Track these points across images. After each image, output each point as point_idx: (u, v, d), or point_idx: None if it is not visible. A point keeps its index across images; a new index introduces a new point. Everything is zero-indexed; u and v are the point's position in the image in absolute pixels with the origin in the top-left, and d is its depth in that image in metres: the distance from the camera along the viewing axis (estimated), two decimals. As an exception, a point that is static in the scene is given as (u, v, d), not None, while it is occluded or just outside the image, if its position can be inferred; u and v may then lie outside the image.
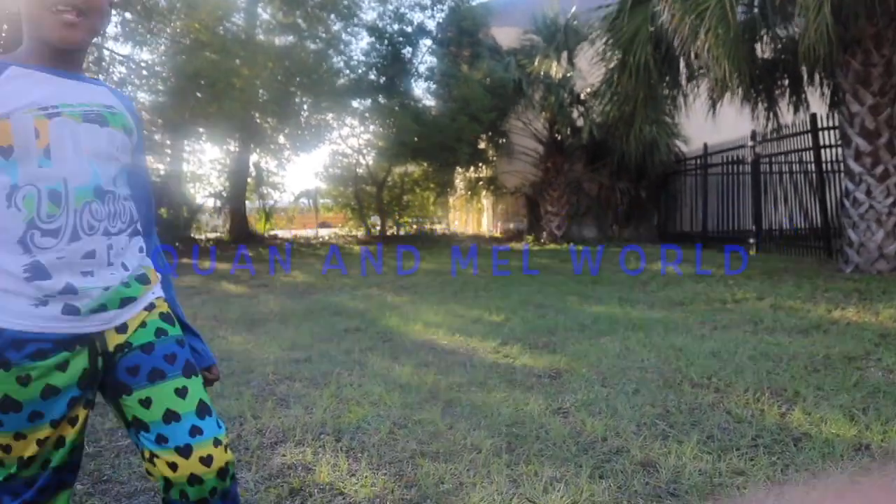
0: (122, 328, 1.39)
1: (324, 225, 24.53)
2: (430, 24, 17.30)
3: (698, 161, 14.84)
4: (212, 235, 19.05)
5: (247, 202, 19.71)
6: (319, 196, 23.08)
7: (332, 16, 16.47)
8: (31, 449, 1.33)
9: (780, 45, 10.30)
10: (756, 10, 9.48)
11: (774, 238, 11.84)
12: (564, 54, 15.90)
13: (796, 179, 11.05)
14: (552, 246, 15.22)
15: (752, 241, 12.24)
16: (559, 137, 16.59)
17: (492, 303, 6.78)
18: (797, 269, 8.88)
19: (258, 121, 15.29)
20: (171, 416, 1.38)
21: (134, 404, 1.39)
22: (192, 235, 17.92)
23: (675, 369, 3.97)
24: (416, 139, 15.35)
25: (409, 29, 16.79)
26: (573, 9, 16.04)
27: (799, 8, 7.89)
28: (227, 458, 1.43)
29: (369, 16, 17.18)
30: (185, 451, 1.37)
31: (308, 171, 45.44)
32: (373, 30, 16.65)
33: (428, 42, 17.44)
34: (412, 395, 3.57)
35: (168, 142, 16.59)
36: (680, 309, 6.17)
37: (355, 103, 16.84)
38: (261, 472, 2.60)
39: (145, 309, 1.42)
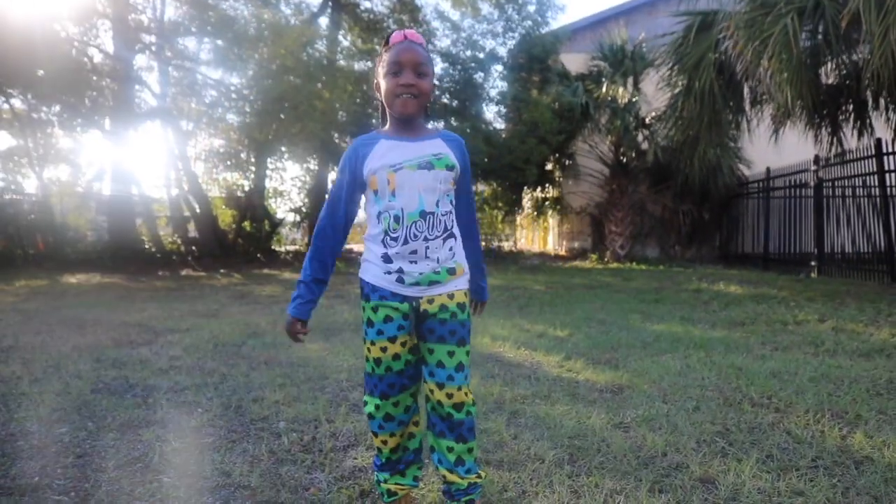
0: (430, 300, 2.15)
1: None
2: (502, 51, 17.70)
3: (761, 184, 14.96)
4: (291, 248, 19.80)
5: (325, 218, 20.47)
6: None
7: (408, 42, 17.18)
8: (375, 352, 2.16)
9: (844, 71, 10.36)
10: (820, 36, 9.50)
11: (836, 261, 11.88)
12: (630, 79, 16.33)
13: (860, 203, 11.11)
14: (615, 265, 15.48)
15: (813, 263, 12.34)
16: (624, 160, 16.96)
17: (556, 318, 6.89)
18: (859, 293, 8.88)
19: (337, 140, 15.93)
20: (440, 365, 2.15)
21: (425, 350, 2.19)
22: (273, 248, 18.71)
23: (736, 388, 3.97)
24: (486, 160, 15.74)
25: (482, 55, 17.23)
26: (641, 35, 16.51)
27: (864, 34, 8.01)
28: (462, 398, 2.16)
29: (443, 42, 17.69)
30: (440, 386, 2.15)
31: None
32: (446, 56, 17.16)
33: (499, 68, 17.86)
34: (479, 404, 3.57)
35: (253, 159, 17.49)
36: (741, 329, 6.20)
37: (429, 126, 17.34)
38: (333, 474, 2.69)
39: (448, 295, 2.17)
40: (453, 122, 16.93)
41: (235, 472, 2.69)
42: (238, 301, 8.64)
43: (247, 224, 17.72)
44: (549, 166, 18.18)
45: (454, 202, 2.22)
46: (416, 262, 2.12)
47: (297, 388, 4.05)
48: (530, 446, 2.97)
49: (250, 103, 14.51)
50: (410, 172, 2.10)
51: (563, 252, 20.23)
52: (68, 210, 18.62)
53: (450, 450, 2.18)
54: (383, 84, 2.14)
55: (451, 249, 2.17)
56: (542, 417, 3.42)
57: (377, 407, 2.19)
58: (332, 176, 20.21)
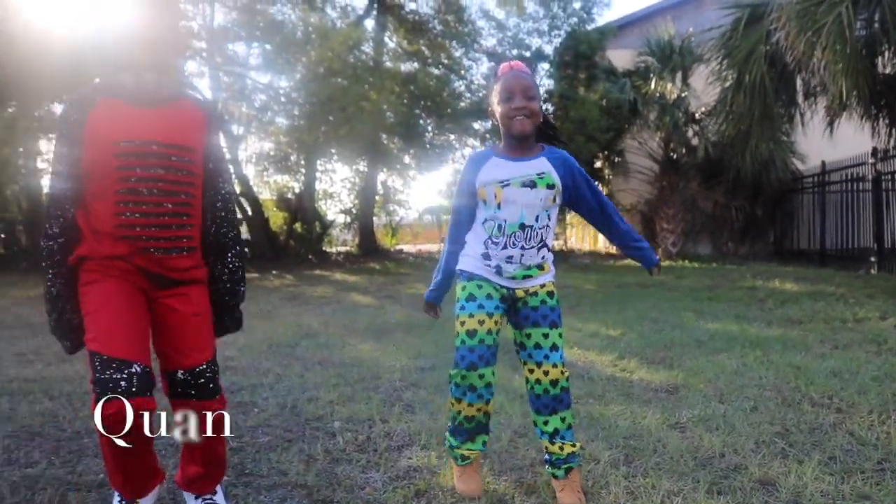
0: (525, 290, 2.48)
1: (448, 240, 25.28)
2: (548, 49, 17.67)
3: (816, 178, 14.66)
4: (342, 249, 20.00)
5: (374, 218, 20.61)
6: (443, 213, 23.91)
7: (454, 43, 17.23)
8: (472, 324, 2.41)
9: None
10: (877, 24, 9.24)
11: (897, 256, 11.60)
12: (679, 74, 16.09)
13: (921, 196, 10.86)
14: (667, 262, 15.25)
15: (872, 259, 12.04)
16: (674, 156, 16.74)
17: (608, 317, 6.87)
18: None
19: (385, 142, 16.03)
20: (536, 346, 2.46)
21: (522, 336, 2.50)
22: (324, 249, 18.90)
23: (794, 388, 3.90)
24: (534, 159, 15.74)
25: (528, 53, 17.18)
26: (689, 29, 16.27)
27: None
28: (557, 375, 2.45)
29: (489, 42, 17.76)
30: (538, 364, 2.46)
31: (432, 188, 46.06)
32: (492, 55, 17.19)
33: (545, 66, 17.82)
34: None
35: (303, 162, 17.71)
36: (798, 327, 6.11)
37: (476, 125, 17.35)
38: (388, 473, 2.70)
39: (540, 286, 2.49)
40: (500, 121, 16.91)
41: (292, 471, 2.74)
42: (290, 302, 8.77)
43: (298, 226, 17.95)
44: (597, 164, 18.03)
45: (557, 215, 2.52)
46: (511, 263, 2.45)
47: (350, 388, 4.10)
48: (585, 447, 2.94)
49: (299, 106, 14.66)
50: (515, 189, 2.41)
51: (613, 250, 20.05)
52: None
53: (546, 423, 2.47)
54: (498, 110, 2.45)
55: (543, 257, 2.50)
56: (596, 417, 3.40)
57: (463, 377, 2.42)
58: (382, 177, 20.49)
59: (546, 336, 2.46)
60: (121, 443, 1.97)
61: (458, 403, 2.47)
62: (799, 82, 11.15)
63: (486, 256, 2.45)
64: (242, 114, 16.62)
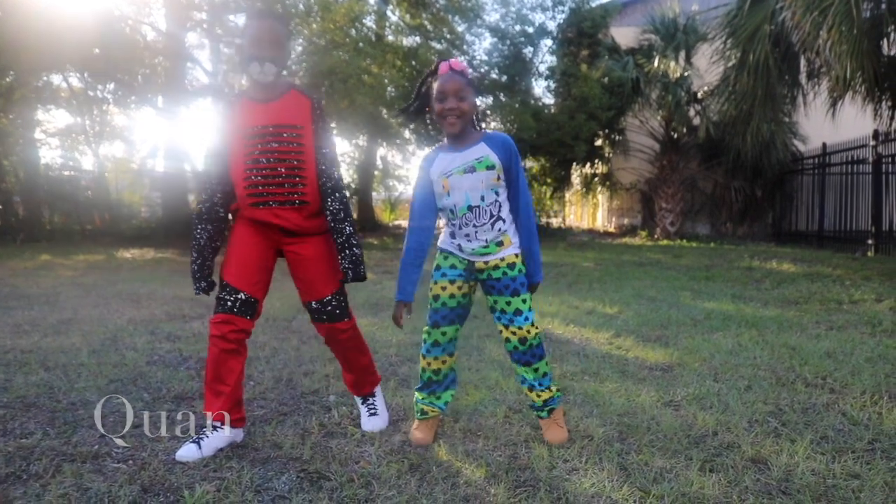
0: (483, 263, 2.74)
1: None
2: (551, 25, 17.55)
3: (816, 160, 14.62)
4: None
5: (373, 193, 20.55)
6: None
7: (457, 17, 17.04)
8: (436, 290, 2.78)
9: None
10: (884, 6, 9.16)
11: (894, 239, 11.59)
12: (682, 53, 15.96)
13: (920, 179, 10.85)
14: (665, 242, 15.32)
15: (870, 241, 12.02)
16: (675, 135, 16.69)
17: (605, 295, 6.89)
18: None
19: (386, 116, 16.04)
20: (502, 311, 2.75)
21: (489, 300, 2.79)
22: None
23: (789, 368, 3.91)
24: (535, 136, 15.68)
25: (531, 30, 17.11)
26: (694, 7, 16.14)
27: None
28: (524, 334, 2.73)
29: (492, 17, 17.62)
30: (505, 326, 2.77)
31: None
32: (495, 31, 17.09)
33: (548, 42, 17.73)
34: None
35: (302, 136, 17.65)
36: (794, 308, 6.12)
37: (477, 101, 17.25)
38: (383, 448, 2.71)
39: (500, 259, 2.73)
40: (502, 97, 16.85)
41: (286, 444, 2.75)
42: (288, 276, 8.71)
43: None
44: (598, 142, 18.00)
45: (506, 191, 2.75)
46: (470, 241, 2.74)
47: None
48: (579, 423, 2.97)
49: (299, 79, 14.59)
50: (458, 177, 2.68)
51: (612, 229, 20.07)
52: (123, 186, 19.06)
53: (523, 374, 2.82)
54: (434, 107, 2.68)
55: (499, 230, 2.73)
56: (590, 395, 3.41)
57: (429, 333, 2.81)
58: (381, 151, 20.42)
59: (508, 303, 2.74)
60: (221, 346, 2.73)
61: (425, 359, 2.84)
62: (803, 63, 11.11)
63: (452, 235, 2.78)
64: (242, 86, 16.52)
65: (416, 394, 2.89)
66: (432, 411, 2.84)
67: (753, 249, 12.83)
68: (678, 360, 4.17)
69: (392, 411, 3.18)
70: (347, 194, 3.02)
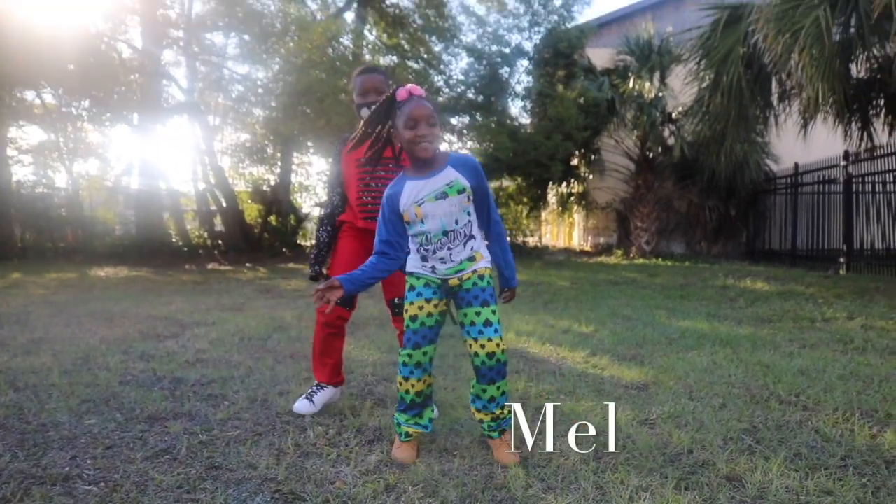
0: (457, 279, 2.76)
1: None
2: (528, 46, 17.65)
3: (789, 180, 14.83)
4: (316, 243, 19.84)
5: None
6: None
7: (434, 38, 17.14)
8: (413, 310, 2.79)
9: (875, 65, 10.20)
10: (853, 29, 9.31)
11: (865, 257, 11.78)
12: (657, 74, 16.20)
13: (890, 199, 11.02)
14: (641, 260, 15.42)
15: (841, 260, 12.21)
16: (650, 155, 16.87)
17: (581, 314, 6.88)
18: (889, 289, 8.78)
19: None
20: (472, 323, 2.76)
21: (461, 316, 2.79)
22: (299, 242, 18.79)
23: (763, 385, 3.94)
24: (511, 155, 15.72)
25: (507, 50, 17.19)
26: (668, 29, 16.37)
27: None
28: (493, 348, 2.72)
29: (469, 37, 17.63)
30: (474, 340, 2.75)
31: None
32: (472, 51, 17.13)
33: (525, 62, 17.83)
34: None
35: (279, 154, 17.59)
36: (768, 326, 6.16)
37: (454, 120, 17.28)
38: (359, 468, 2.69)
39: (473, 272, 2.77)
40: (478, 117, 16.92)
41: (261, 464, 2.71)
42: (263, 295, 8.71)
43: (273, 218, 17.81)
44: (574, 161, 18.11)
45: (476, 212, 2.79)
46: (444, 263, 2.77)
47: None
48: (556, 443, 2.94)
49: (276, 97, 14.56)
50: (431, 204, 2.70)
51: (588, 248, 20.16)
52: (97, 204, 18.83)
53: (485, 392, 2.79)
54: (404, 135, 2.67)
55: (471, 249, 2.78)
56: (566, 413, 3.39)
57: (410, 356, 2.80)
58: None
59: (478, 314, 2.75)
60: (328, 331, 3.46)
61: (407, 381, 2.83)
62: (774, 84, 11.25)
63: (424, 258, 2.79)
64: (219, 104, 16.47)
65: (398, 415, 2.88)
66: (417, 432, 2.86)
67: (728, 268, 12.94)
68: (653, 378, 4.18)
69: (368, 431, 3.15)
70: None
